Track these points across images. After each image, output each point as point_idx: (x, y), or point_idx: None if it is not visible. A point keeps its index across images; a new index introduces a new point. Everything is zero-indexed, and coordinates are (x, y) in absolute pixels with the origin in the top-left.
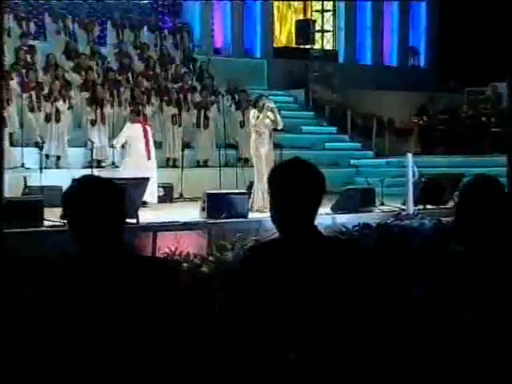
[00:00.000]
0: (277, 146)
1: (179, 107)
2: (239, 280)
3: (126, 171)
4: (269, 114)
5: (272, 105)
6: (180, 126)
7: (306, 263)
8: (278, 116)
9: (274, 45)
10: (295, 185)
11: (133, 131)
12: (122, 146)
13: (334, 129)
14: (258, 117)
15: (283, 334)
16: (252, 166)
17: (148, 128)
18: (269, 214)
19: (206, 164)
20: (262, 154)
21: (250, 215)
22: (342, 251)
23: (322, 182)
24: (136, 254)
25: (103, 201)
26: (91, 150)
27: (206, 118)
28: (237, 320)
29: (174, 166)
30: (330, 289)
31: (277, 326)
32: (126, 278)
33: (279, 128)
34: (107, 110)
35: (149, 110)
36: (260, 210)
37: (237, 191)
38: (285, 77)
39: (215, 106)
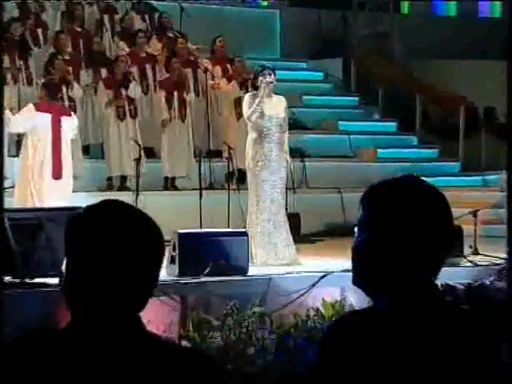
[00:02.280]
0: (295, 153)
1: (127, 86)
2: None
3: (19, 195)
4: (274, 100)
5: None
6: (134, 118)
7: (437, 349)
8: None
9: None
10: (418, 215)
11: (36, 123)
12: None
13: (392, 125)
14: (257, 105)
15: None
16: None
17: (66, 121)
18: (281, 266)
19: (176, 185)
20: (264, 168)
21: (252, 270)
22: (474, 328)
23: (447, 213)
24: (161, 341)
25: (137, 241)
26: None
27: (181, 105)
28: None
29: (123, 189)
30: None
31: None
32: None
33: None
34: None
35: (76, 91)
36: (267, 263)
37: (229, 230)
38: (309, 38)
39: (192, 85)
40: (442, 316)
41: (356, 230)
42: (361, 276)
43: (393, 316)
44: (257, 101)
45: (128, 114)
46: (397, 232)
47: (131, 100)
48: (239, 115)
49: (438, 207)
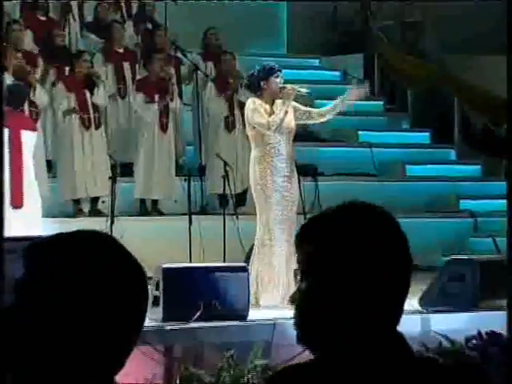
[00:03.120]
0: (306, 170)
1: (92, 90)
2: None
3: None
4: (288, 105)
5: (294, 91)
6: (97, 128)
7: None
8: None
9: None
10: (372, 253)
11: None
12: None
13: (424, 135)
14: (263, 112)
15: None
16: (253, 214)
17: (28, 136)
18: (290, 311)
19: (159, 209)
20: (275, 190)
21: (253, 313)
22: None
23: (407, 247)
24: None
25: (113, 287)
26: None
27: (164, 112)
28: None
29: (97, 214)
30: None
31: None
32: None
33: (324, 119)
34: None
35: (40, 96)
36: (274, 305)
37: (225, 264)
38: (322, 30)
39: (175, 87)
40: (407, 373)
41: (297, 276)
42: (307, 333)
43: (345, 370)
44: (283, 110)
45: (93, 123)
46: (349, 272)
47: (96, 107)
48: (230, 125)
49: (395, 237)
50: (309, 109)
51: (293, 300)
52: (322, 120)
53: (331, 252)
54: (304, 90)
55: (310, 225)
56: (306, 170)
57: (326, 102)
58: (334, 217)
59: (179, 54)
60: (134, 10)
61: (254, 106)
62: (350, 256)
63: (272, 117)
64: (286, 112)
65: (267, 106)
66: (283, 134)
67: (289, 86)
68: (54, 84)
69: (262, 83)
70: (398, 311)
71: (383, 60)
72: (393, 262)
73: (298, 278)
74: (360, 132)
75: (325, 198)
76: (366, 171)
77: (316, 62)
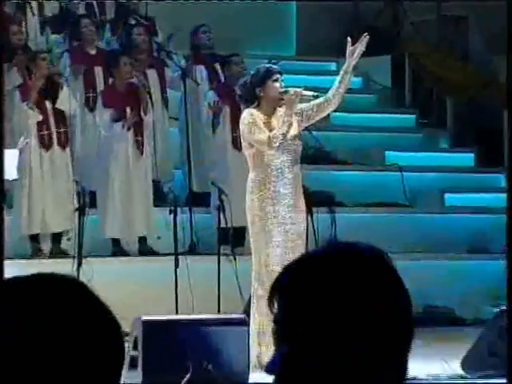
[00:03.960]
0: (321, 200)
1: (55, 97)
2: None
3: None
4: (291, 114)
5: (300, 94)
6: (64, 147)
7: None
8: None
9: None
10: (361, 307)
11: None
12: None
13: (468, 156)
14: (262, 126)
15: None
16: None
17: None
18: None
19: (136, 250)
20: (276, 222)
21: (255, 377)
22: None
23: (405, 295)
24: None
25: (81, 346)
26: None
27: (138, 129)
28: None
29: (60, 254)
30: None
31: None
32: None
33: (336, 103)
34: None
35: None
36: None
37: (220, 316)
38: (339, 26)
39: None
40: None
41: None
42: None
43: None
44: (286, 122)
45: (56, 140)
46: (334, 332)
47: (60, 119)
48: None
49: (394, 284)
50: (314, 102)
51: (270, 368)
52: (334, 106)
53: (311, 308)
54: (309, 93)
55: (286, 274)
56: (320, 199)
57: (345, 114)
58: (314, 263)
59: (164, 56)
60: (112, 3)
61: (250, 120)
62: (334, 312)
63: (274, 131)
64: (291, 124)
65: (267, 118)
66: (288, 152)
67: (291, 89)
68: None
69: (257, 90)
70: (399, 374)
71: (416, 62)
72: (387, 315)
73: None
74: (387, 152)
75: (344, 234)
76: (394, 200)
77: (332, 65)
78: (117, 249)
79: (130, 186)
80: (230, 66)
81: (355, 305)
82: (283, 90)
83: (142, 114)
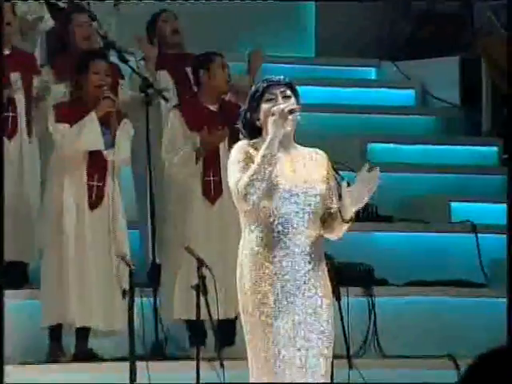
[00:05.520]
0: (355, 275)
1: None
2: None
3: None
4: (299, 155)
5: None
6: None
7: None
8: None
9: None
10: None
11: None
12: None
13: None
14: (264, 165)
15: None
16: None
17: None
18: None
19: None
20: (280, 307)
21: None
22: None
23: None
24: None
25: None
26: None
27: None
28: None
29: None
30: None
31: None
32: None
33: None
34: None
35: None
36: None
37: None
38: (383, 18)
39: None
40: None
41: None
42: None
43: None
44: (259, 155)
45: None
46: None
47: None
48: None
49: None
50: (330, 204)
51: None
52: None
53: None
54: (294, 106)
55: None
56: (352, 275)
57: (390, 145)
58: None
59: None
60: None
61: (233, 158)
62: None
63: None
64: (275, 160)
65: (281, 153)
66: (296, 204)
67: (275, 108)
68: None
69: (256, 117)
70: None
71: (498, 68)
72: None
73: None
74: (453, 204)
75: (385, 326)
76: (466, 278)
77: (371, 71)
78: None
79: (84, 258)
80: (210, 70)
81: None
82: (284, 110)
83: None
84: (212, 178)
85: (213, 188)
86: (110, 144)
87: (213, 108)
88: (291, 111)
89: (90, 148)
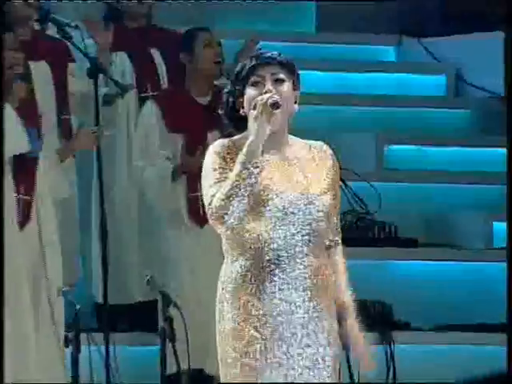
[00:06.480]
0: (374, 318)
1: None
2: None
3: None
4: (296, 152)
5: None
6: None
7: None
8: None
9: None
10: None
11: None
12: None
13: None
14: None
15: None
16: None
17: None
18: None
19: None
20: (271, 360)
21: None
22: None
23: None
24: None
25: None
26: None
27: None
28: None
29: None
30: None
31: None
32: None
33: None
34: None
35: None
36: None
37: None
38: None
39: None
40: None
41: None
42: None
43: None
44: (237, 162)
45: None
46: None
47: None
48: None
49: None
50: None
51: None
52: None
53: None
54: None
55: None
56: (368, 317)
57: (411, 147)
58: None
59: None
60: None
61: (206, 164)
62: None
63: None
64: (259, 171)
65: (269, 154)
66: (292, 215)
67: (259, 98)
68: None
69: (241, 104)
70: None
71: None
72: None
73: None
74: (496, 223)
75: (407, 381)
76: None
77: (389, 52)
78: None
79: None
80: (194, 51)
81: None
82: (272, 101)
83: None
84: (199, 194)
85: (201, 206)
86: (38, 146)
87: (202, 101)
88: (275, 104)
89: (11, 152)
